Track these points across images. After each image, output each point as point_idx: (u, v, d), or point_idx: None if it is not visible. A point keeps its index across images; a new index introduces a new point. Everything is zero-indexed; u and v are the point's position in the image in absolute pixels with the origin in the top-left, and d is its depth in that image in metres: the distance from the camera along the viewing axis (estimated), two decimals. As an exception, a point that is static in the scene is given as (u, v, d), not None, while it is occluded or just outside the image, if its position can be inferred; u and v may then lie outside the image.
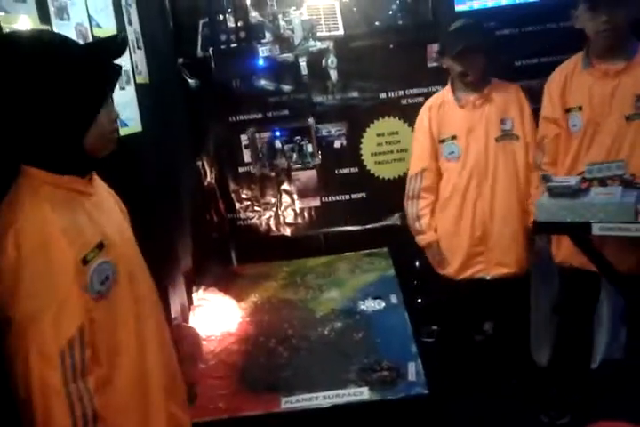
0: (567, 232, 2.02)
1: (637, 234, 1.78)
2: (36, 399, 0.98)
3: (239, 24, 2.69)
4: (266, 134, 2.98)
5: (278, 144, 2.97)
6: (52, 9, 1.61)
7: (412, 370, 1.83)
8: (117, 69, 1.19)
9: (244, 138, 2.99)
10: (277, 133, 2.96)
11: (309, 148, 2.96)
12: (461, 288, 2.49)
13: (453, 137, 2.43)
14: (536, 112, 2.38)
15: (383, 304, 2.32)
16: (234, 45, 2.73)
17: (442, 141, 2.46)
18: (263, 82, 2.94)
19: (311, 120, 2.95)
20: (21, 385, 0.99)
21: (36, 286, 1.00)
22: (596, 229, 1.83)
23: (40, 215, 1.03)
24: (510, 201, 2.38)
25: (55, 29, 1.60)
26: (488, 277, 2.43)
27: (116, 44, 1.17)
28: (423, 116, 2.53)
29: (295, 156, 2.98)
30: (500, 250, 2.40)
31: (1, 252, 1.00)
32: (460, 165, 2.41)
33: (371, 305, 2.31)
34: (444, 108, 2.46)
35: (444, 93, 2.50)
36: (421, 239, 2.55)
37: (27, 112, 1.05)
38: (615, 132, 2.02)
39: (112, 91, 1.24)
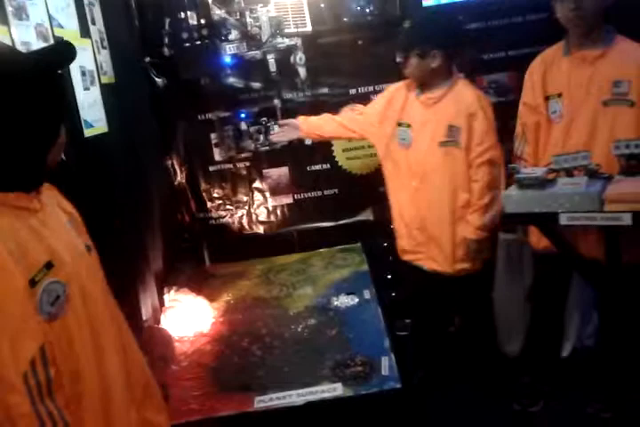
0: (535, 223, 2.05)
1: (603, 223, 1.82)
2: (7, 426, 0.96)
3: (201, 21, 2.67)
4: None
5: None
6: (9, 9, 1.57)
7: (386, 364, 1.84)
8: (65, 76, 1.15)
9: (213, 136, 2.97)
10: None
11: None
12: (425, 281, 2.49)
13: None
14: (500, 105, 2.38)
15: (356, 300, 2.33)
16: (197, 43, 2.71)
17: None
18: (232, 79, 2.93)
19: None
20: None
21: None
22: (564, 219, 1.86)
23: None
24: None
25: (13, 30, 1.56)
26: (425, 268, 2.44)
27: (67, 51, 1.12)
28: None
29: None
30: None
31: None
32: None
33: (344, 301, 2.33)
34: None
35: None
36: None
37: None
38: (592, 118, 2.05)
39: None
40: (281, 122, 2.66)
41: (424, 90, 2.33)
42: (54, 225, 1.14)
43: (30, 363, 0.97)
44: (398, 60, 2.53)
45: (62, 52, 1.13)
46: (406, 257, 2.46)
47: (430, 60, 2.22)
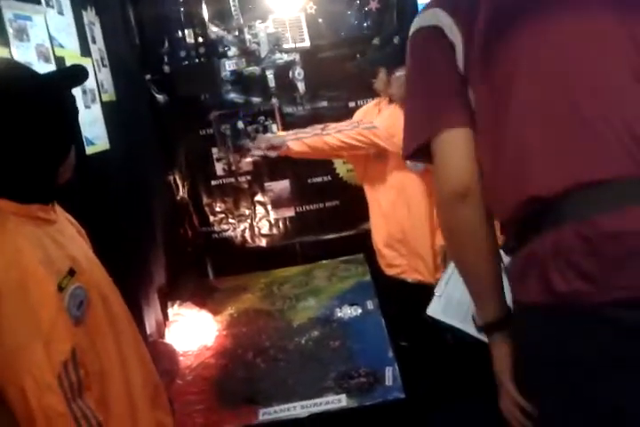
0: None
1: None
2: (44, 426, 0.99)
3: (199, 40, 2.72)
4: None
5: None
6: (10, 31, 1.60)
7: (389, 375, 1.84)
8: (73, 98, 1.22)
9: (215, 151, 3.00)
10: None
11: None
12: (411, 294, 2.49)
13: None
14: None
15: (360, 310, 2.33)
16: (194, 61, 2.77)
17: None
18: (232, 95, 2.96)
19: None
20: (22, 417, 0.99)
21: (19, 319, 1.00)
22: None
23: (12, 248, 1.03)
24: None
25: (14, 51, 1.60)
26: (409, 280, 2.45)
27: (81, 73, 1.19)
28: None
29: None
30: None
31: None
32: None
33: (347, 312, 2.33)
34: None
35: None
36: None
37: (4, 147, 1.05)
38: None
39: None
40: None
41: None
42: (69, 235, 1.22)
43: (63, 365, 1.02)
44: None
45: (76, 73, 1.21)
46: (390, 271, 2.48)
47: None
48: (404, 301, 2.54)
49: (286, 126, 2.97)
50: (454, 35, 1.03)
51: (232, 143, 2.93)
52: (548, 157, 0.95)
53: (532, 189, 0.95)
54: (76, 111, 1.23)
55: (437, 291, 1.82)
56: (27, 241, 1.05)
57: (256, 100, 2.98)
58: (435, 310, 1.80)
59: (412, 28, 1.12)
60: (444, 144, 1.05)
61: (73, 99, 1.21)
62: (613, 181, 0.89)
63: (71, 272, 1.11)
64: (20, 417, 1.00)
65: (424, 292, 2.37)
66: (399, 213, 2.40)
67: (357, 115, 2.60)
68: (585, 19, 0.98)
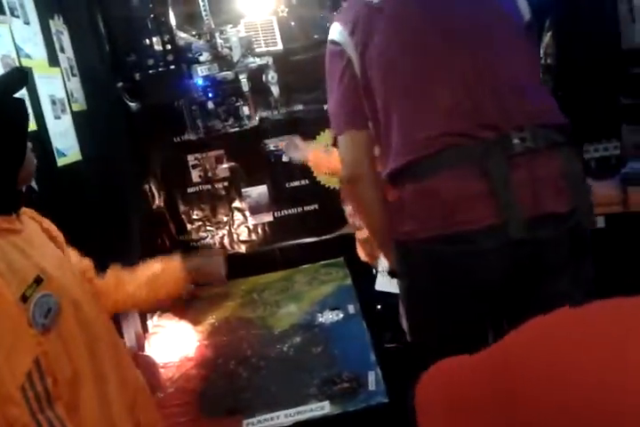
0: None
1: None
2: None
3: (167, 47, 2.69)
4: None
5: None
6: (-27, 43, 1.58)
7: (372, 379, 1.83)
8: (22, 102, 1.21)
9: (190, 158, 2.97)
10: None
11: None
12: None
13: None
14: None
15: (341, 315, 2.33)
16: (162, 69, 2.74)
17: None
18: (205, 101, 2.93)
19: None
20: None
21: None
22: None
23: None
24: None
25: (-21, 63, 1.57)
26: None
27: (17, 77, 1.20)
28: None
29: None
30: None
31: None
32: None
33: (329, 317, 2.32)
34: None
35: None
36: (360, 234, 2.52)
37: None
38: None
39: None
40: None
41: None
42: (38, 244, 1.22)
43: (27, 375, 1.01)
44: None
45: (15, 75, 1.23)
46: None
47: None
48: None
49: (263, 131, 2.97)
50: (351, 50, 1.39)
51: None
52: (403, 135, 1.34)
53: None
54: (26, 116, 1.23)
55: (380, 268, 2.18)
56: None
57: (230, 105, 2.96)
58: (381, 284, 2.16)
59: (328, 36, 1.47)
60: (344, 141, 1.44)
61: (21, 104, 1.20)
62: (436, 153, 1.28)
63: (37, 280, 1.11)
64: None
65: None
66: None
67: None
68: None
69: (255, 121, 2.95)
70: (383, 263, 2.07)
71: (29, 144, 1.22)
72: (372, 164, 1.44)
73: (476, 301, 1.33)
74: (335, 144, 1.49)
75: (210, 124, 2.92)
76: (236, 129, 2.95)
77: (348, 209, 2.60)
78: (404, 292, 1.53)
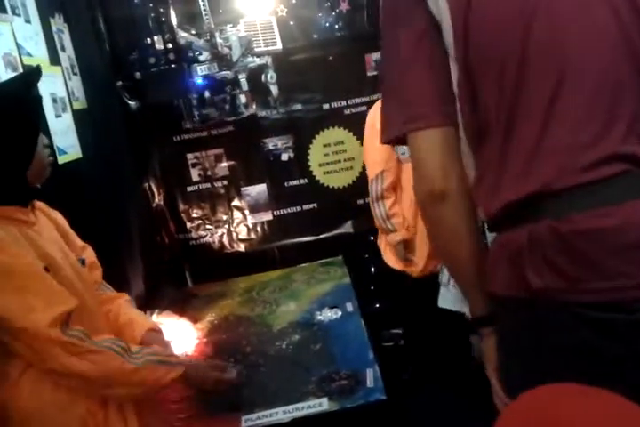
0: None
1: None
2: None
3: (168, 46, 2.70)
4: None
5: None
6: (-25, 42, 1.59)
7: (370, 376, 1.84)
8: (38, 99, 1.26)
9: (190, 157, 2.98)
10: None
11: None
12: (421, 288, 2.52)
13: None
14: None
15: (340, 313, 2.34)
16: (163, 68, 2.75)
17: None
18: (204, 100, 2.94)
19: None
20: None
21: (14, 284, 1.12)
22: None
23: None
24: None
25: (-20, 61, 1.58)
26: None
27: (36, 75, 1.26)
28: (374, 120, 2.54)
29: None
30: None
31: None
32: None
33: (327, 315, 2.33)
34: None
35: None
36: (394, 237, 2.55)
37: None
38: None
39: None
40: None
41: None
42: (47, 237, 1.30)
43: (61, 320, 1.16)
44: (374, 72, 2.58)
45: (29, 73, 1.32)
46: (426, 271, 2.53)
47: None
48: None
49: (262, 130, 2.98)
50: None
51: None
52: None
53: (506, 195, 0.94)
54: (38, 113, 1.29)
55: (444, 279, 1.86)
56: (7, 237, 1.14)
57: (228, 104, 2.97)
58: (445, 300, 1.85)
59: None
60: (421, 142, 0.98)
61: (39, 101, 1.26)
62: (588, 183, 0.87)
63: (45, 270, 1.19)
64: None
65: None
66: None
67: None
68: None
69: (252, 109, 2.95)
70: (447, 274, 1.83)
71: (46, 140, 1.29)
72: (464, 175, 1.01)
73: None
74: (399, 143, 1.05)
75: (205, 112, 2.92)
76: (233, 118, 2.95)
77: (381, 210, 2.58)
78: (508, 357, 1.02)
